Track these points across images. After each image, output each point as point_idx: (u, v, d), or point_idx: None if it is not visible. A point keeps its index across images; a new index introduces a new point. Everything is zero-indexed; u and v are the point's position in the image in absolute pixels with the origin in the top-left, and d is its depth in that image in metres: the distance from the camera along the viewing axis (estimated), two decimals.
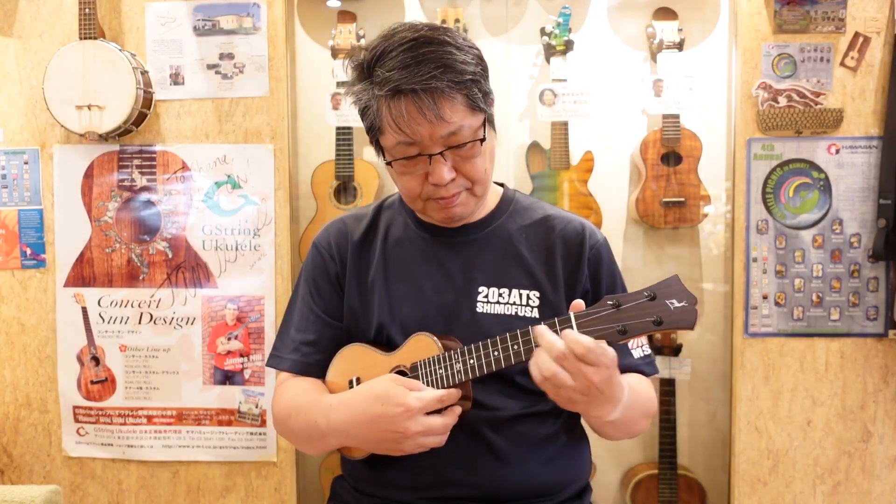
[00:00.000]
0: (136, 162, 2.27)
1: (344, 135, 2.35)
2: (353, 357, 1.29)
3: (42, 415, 2.32)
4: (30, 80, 2.27)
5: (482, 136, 1.18)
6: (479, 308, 1.26)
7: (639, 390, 1.24)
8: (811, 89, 2.17)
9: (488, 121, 1.20)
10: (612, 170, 2.43)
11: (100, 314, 2.28)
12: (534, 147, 2.37)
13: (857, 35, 2.15)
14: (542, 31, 2.30)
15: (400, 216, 1.35)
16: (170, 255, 2.26)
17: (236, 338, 2.26)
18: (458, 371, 1.14)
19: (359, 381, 1.25)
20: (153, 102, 2.25)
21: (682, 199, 2.29)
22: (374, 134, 1.20)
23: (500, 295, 1.26)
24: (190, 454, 2.29)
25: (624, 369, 1.28)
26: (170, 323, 2.27)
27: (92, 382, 2.29)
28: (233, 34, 2.23)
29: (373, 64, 1.14)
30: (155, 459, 2.29)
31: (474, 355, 1.13)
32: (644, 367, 1.31)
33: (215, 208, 2.26)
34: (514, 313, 1.25)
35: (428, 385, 1.16)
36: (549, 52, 2.29)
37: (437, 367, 1.16)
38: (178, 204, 2.26)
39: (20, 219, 2.30)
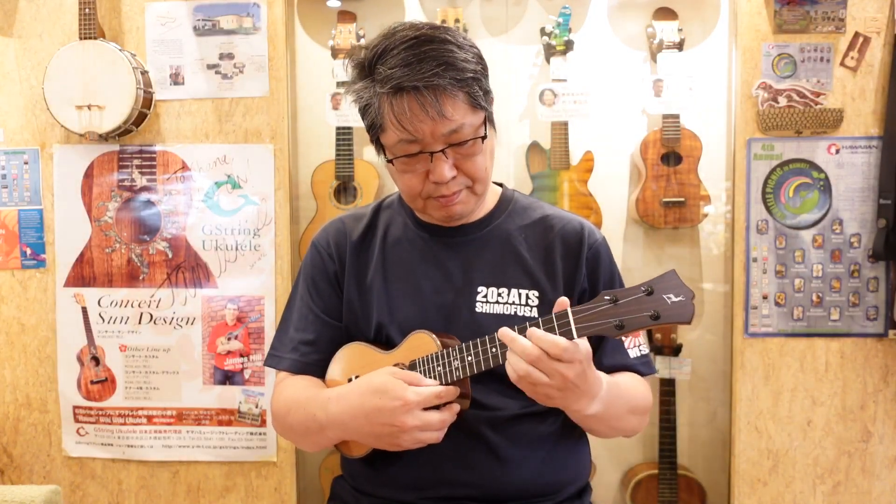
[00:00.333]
0: (136, 162, 2.27)
1: (344, 135, 2.35)
2: (352, 356, 1.30)
3: (42, 415, 2.32)
4: (30, 80, 2.27)
5: (483, 134, 1.18)
6: (479, 308, 1.26)
7: (626, 387, 1.24)
8: (811, 89, 2.16)
9: (489, 119, 1.20)
10: (612, 170, 2.43)
11: (100, 314, 2.28)
12: (534, 147, 2.37)
13: (857, 35, 2.15)
14: (542, 31, 2.30)
15: (399, 216, 1.36)
16: (170, 255, 2.26)
17: (236, 338, 2.26)
18: (456, 368, 1.14)
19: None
20: (153, 102, 2.25)
21: (682, 199, 2.29)
22: (375, 132, 1.20)
23: (499, 294, 1.26)
24: (190, 454, 2.29)
25: (619, 368, 1.29)
26: (170, 323, 2.27)
27: (92, 382, 2.29)
28: (233, 34, 2.24)
29: (374, 62, 1.14)
30: (155, 459, 2.29)
31: (472, 352, 1.13)
32: (640, 367, 1.31)
33: (215, 208, 2.26)
34: (513, 313, 1.25)
35: None
36: (549, 52, 2.29)
37: (435, 364, 1.16)
38: (178, 204, 2.26)
39: (20, 219, 2.30)
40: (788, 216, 2.20)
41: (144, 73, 2.21)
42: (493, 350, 1.11)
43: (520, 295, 1.26)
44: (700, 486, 2.36)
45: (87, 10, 2.15)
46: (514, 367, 1.05)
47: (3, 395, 2.33)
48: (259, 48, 2.23)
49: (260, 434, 2.27)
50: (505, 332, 1.07)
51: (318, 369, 1.33)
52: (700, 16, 2.39)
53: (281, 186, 2.24)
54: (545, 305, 1.25)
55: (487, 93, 1.19)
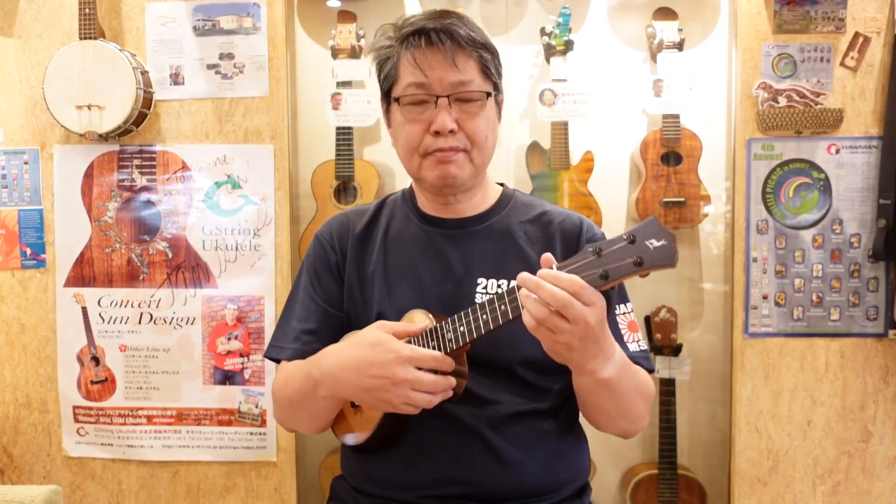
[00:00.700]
0: (136, 162, 2.27)
1: (344, 135, 2.35)
2: None
3: (42, 415, 2.32)
4: (30, 80, 2.27)
5: (488, 91, 1.25)
6: (478, 299, 1.26)
7: (633, 367, 1.23)
8: (811, 89, 2.17)
9: (496, 98, 1.28)
10: (612, 170, 2.43)
11: (100, 314, 2.28)
12: (534, 147, 2.37)
13: (857, 35, 2.15)
14: (542, 31, 2.30)
15: (402, 210, 1.38)
16: (170, 255, 2.26)
17: (236, 338, 2.26)
18: (450, 340, 1.13)
19: None
20: (153, 102, 2.25)
21: (682, 199, 2.29)
22: (389, 82, 1.26)
23: (498, 286, 1.27)
24: (190, 454, 2.29)
25: None
26: (170, 323, 2.27)
27: (92, 382, 2.29)
28: (233, 34, 2.24)
29: (401, 26, 1.26)
30: (155, 459, 2.29)
31: (464, 321, 1.12)
32: (640, 360, 1.29)
33: (215, 208, 2.26)
34: None
35: None
36: (549, 52, 2.29)
37: (429, 339, 1.16)
38: (178, 204, 2.26)
39: (20, 219, 2.30)
40: (788, 216, 2.20)
41: (144, 73, 2.21)
42: (484, 316, 1.10)
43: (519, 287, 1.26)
44: (700, 486, 2.36)
45: (87, 10, 2.15)
46: (534, 314, 1.01)
47: (3, 395, 2.33)
48: (259, 48, 2.23)
49: (260, 434, 2.27)
50: (527, 277, 1.02)
51: None
52: (700, 16, 2.39)
53: (281, 186, 2.24)
54: None
55: (498, 70, 1.28)
